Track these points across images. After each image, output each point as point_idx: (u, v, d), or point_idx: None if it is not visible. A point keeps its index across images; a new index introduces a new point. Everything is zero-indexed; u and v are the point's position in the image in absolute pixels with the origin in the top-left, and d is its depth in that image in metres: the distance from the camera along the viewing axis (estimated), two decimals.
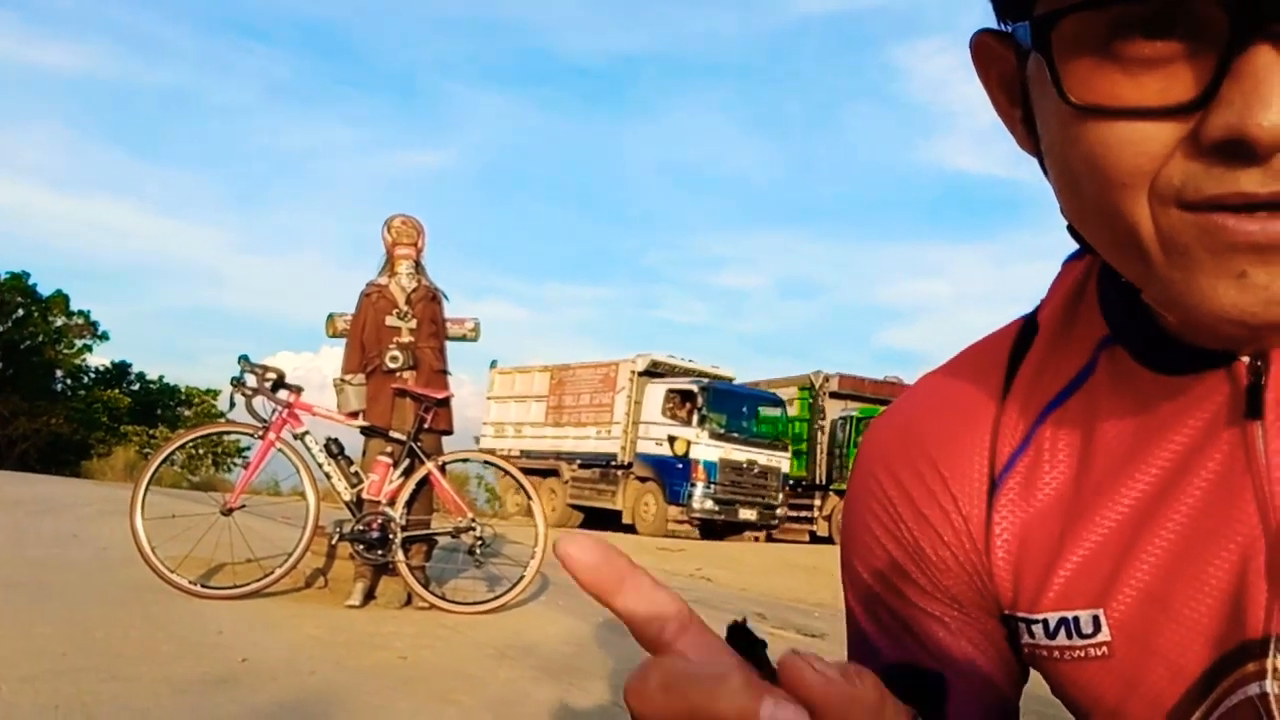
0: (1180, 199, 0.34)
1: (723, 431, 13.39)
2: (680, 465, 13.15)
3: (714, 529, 13.30)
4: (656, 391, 14.06)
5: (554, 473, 15.72)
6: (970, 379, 0.53)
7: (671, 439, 13.24)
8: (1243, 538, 0.41)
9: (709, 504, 13.03)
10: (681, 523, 13.21)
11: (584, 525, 14.93)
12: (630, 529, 13.61)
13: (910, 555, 0.52)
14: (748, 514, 13.42)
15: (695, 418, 13.27)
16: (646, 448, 13.92)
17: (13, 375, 20.78)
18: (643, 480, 13.97)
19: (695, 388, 13.62)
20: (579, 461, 15.19)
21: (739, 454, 13.32)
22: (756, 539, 13.52)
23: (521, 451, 16.35)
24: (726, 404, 13.82)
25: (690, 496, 12.99)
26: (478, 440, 16.69)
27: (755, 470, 13.49)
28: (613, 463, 14.49)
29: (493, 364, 17.67)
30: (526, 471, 17.53)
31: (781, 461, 13.94)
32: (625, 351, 16.01)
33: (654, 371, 14.75)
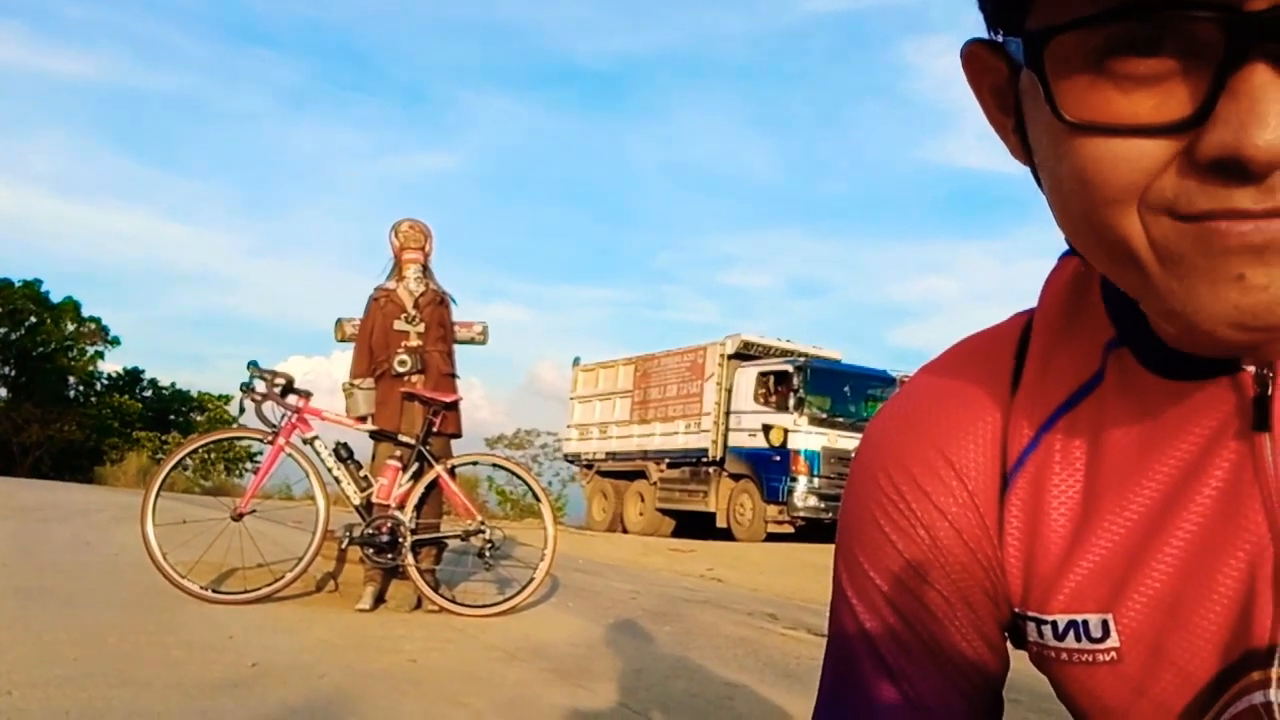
0: (1173, 211, 0.38)
1: (825, 416, 13.08)
2: (778, 458, 12.86)
3: (821, 530, 12.90)
4: (748, 375, 13.86)
5: (641, 474, 15.60)
6: (975, 375, 0.58)
7: (766, 428, 12.96)
8: (1251, 547, 0.47)
9: (812, 500, 12.70)
10: (782, 523, 12.90)
11: (676, 533, 14.75)
12: (726, 534, 13.45)
13: (924, 552, 0.57)
14: None
15: (792, 402, 12.97)
16: (739, 440, 13.71)
17: (25, 382, 22.53)
18: (736, 478, 13.77)
19: (790, 368, 13.34)
20: (667, 460, 15.04)
21: (845, 441, 12.81)
22: None
23: (607, 454, 16.39)
24: (828, 385, 13.50)
25: (790, 493, 12.69)
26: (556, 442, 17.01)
27: None
28: (703, 459, 14.29)
29: (575, 361, 17.91)
30: (613, 475, 17.57)
31: None
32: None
33: (746, 354, 14.50)
